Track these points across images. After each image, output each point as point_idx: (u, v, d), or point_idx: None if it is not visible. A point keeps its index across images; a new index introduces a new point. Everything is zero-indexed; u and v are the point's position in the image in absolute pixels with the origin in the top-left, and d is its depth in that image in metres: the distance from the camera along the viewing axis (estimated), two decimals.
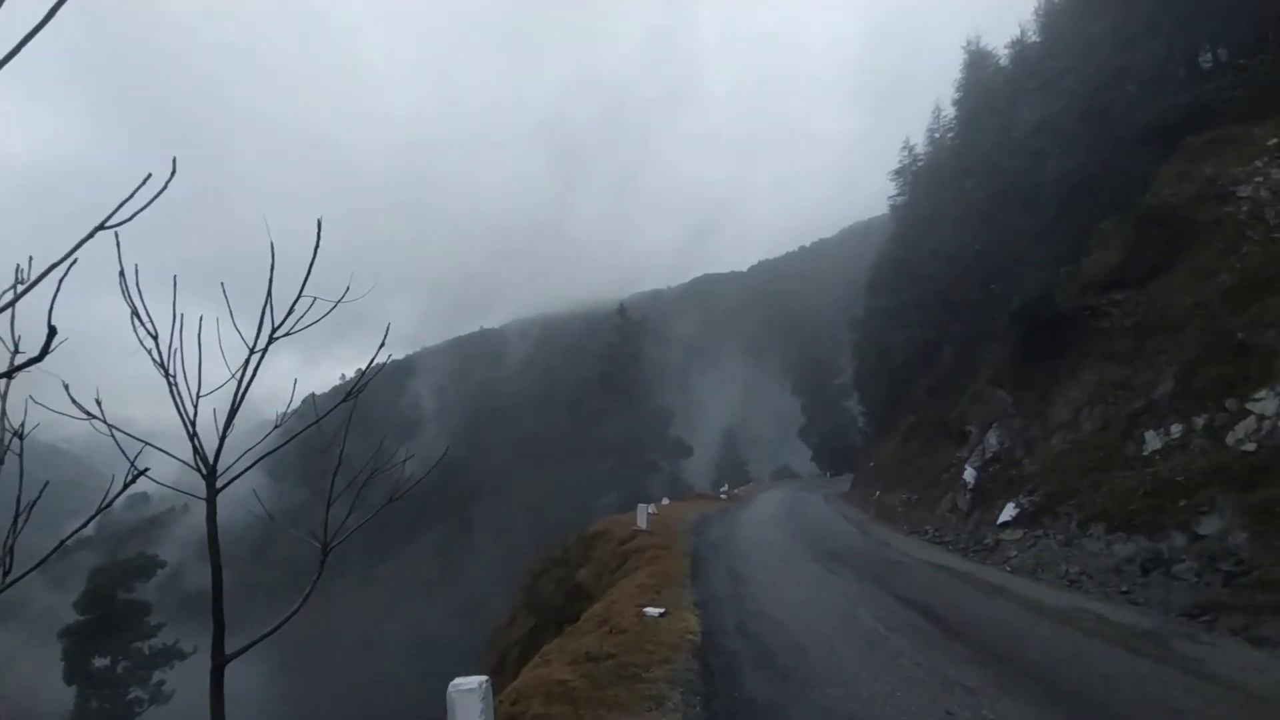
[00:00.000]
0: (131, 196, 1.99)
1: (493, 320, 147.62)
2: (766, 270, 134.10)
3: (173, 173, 2.69)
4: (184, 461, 2.84)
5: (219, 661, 2.83)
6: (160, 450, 2.78)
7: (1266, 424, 9.18)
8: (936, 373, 26.65)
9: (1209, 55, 24.18)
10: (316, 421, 3.36)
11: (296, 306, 2.95)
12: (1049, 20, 27.84)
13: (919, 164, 38.40)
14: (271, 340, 2.96)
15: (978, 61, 31.42)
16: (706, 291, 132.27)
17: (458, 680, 4.61)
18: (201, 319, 2.83)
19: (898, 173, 40.10)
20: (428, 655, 56.54)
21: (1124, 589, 8.99)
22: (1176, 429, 10.76)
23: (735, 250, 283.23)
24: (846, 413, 57.68)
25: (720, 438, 71.87)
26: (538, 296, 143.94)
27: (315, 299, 2.93)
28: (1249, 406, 9.63)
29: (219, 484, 2.91)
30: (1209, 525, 8.71)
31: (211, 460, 2.87)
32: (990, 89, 29.01)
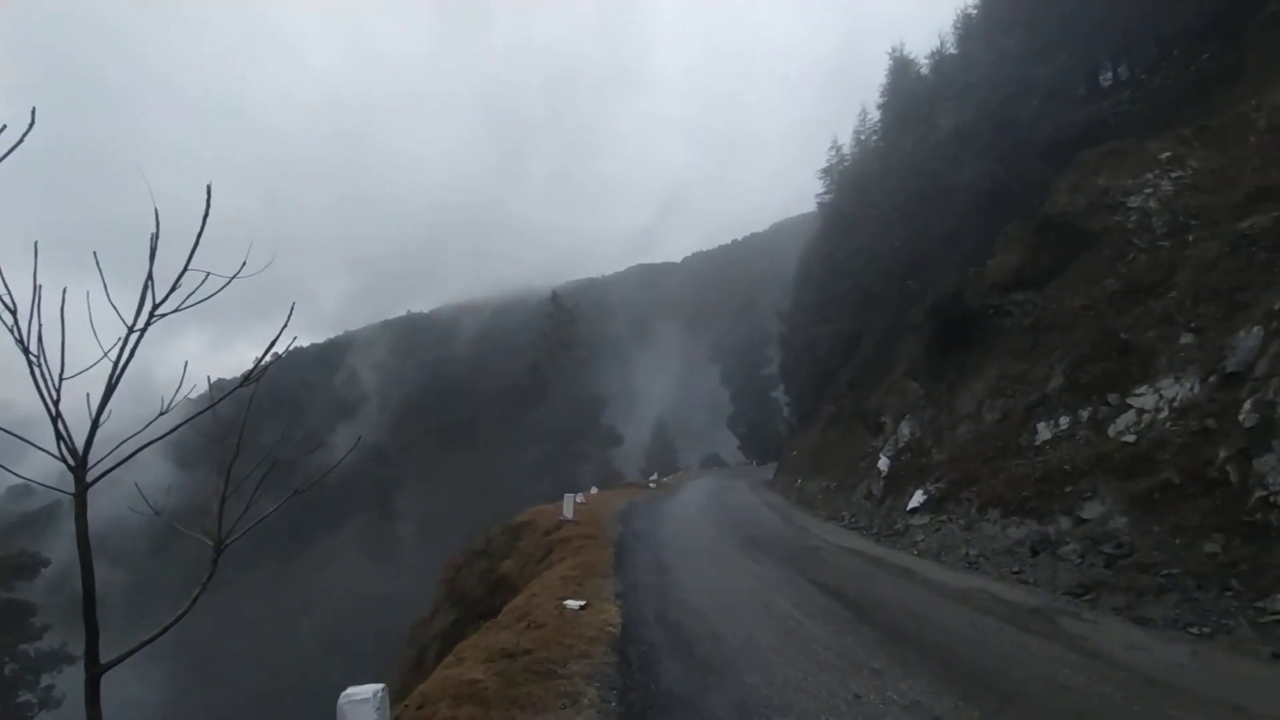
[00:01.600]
0: None
1: (423, 304, 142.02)
2: (701, 261, 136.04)
3: (30, 125, 2.36)
4: (46, 451, 2.52)
5: (94, 671, 2.55)
6: (18, 438, 2.45)
7: (1145, 417, 10.11)
8: (857, 365, 27.86)
9: (1109, 73, 26.26)
10: (211, 407, 3.06)
11: (185, 282, 2.66)
12: (966, 33, 29.43)
13: (845, 164, 39.84)
14: (153, 318, 2.66)
15: (901, 69, 32.86)
16: (642, 281, 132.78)
17: (350, 690, 4.32)
18: (65, 291, 2.51)
19: (826, 171, 41.46)
20: (344, 654, 54.41)
21: (1016, 569, 9.72)
22: (1065, 421, 11.70)
23: (673, 239, 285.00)
24: (773, 403, 59.51)
25: (652, 426, 72.63)
26: (470, 281, 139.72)
27: (209, 274, 2.65)
28: (1130, 401, 10.58)
29: (91, 478, 2.60)
30: (1092, 510, 9.53)
31: (82, 451, 2.56)
32: (912, 95, 30.41)
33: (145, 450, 2.63)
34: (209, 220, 2.66)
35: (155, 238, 2.62)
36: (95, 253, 2.64)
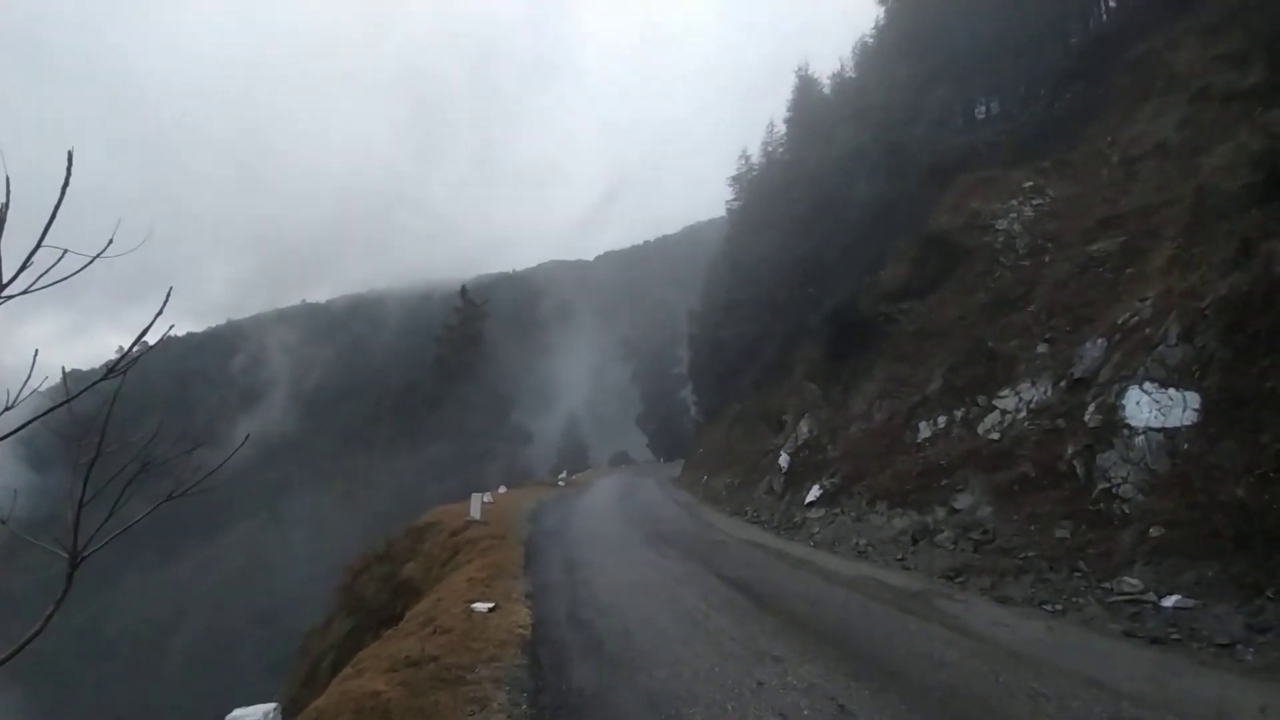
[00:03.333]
0: None
1: (320, 293, 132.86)
2: (615, 260, 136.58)
3: None
4: None
5: None
6: None
7: (1008, 417, 11.27)
8: (761, 366, 29.05)
9: (984, 107, 28.99)
10: (66, 402, 2.74)
11: (39, 259, 2.37)
12: (863, 59, 31.52)
13: (754, 173, 41.35)
14: (0, 300, 2.35)
15: (806, 87, 34.63)
16: (555, 277, 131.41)
17: (238, 711, 3.98)
18: None
19: (735, 179, 42.82)
20: (223, 669, 50.07)
21: (899, 557, 10.53)
22: (942, 420, 12.81)
23: (589, 236, 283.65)
24: (681, 401, 60.80)
25: (562, 423, 72.09)
26: (375, 271, 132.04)
27: (66, 251, 2.37)
28: (995, 402, 11.75)
29: None
30: (963, 501, 10.50)
31: None
32: (815, 112, 32.12)
33: None
34: (70, 191, 2.38)
35: (4, 208, 2.32)
36: None
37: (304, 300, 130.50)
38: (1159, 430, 8.14)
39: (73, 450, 2.68)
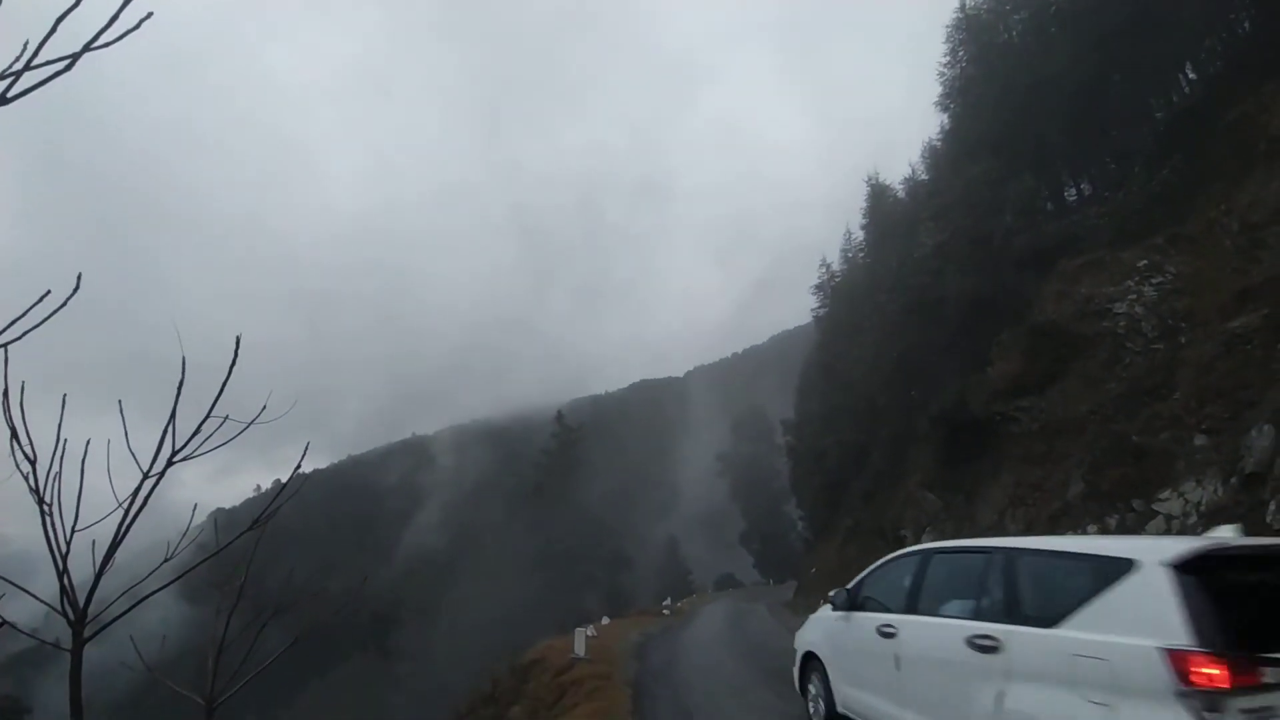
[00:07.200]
0: (24, 314, 1.83)
1: (428, 425, 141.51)
2: (703, 375, 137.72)
3: (75, 289, 2.52)
4: (47, 604, 2.44)
5: None
6: (19, 589, 2.38)
7: (1175, 523, 9.76)
8: (869, 475, 27.32)
9: (1074, 189, 28.20)
10: (215, 554, 3.00)
11: (204, 427, 2.71)
12: (933, 161, 32.02)
13: (836, 279, 41.58)
14: (170, 464, 2.69)
15: (879, 193, 35.38)
16: (645, 397, 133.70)
17: None
18: (89, 443, 2.54)
19: (818, 287, 43.18)
20: None
21: None
22: (1092, 529, 11.27)
23: (673, 355, 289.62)
24: (786, 517, 57.65)
25: (662, 547, 69.82)
26: (481, 401, 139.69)
27: (227, 418, 2.70)
28: (1155, 506, 10.27)
29: (89, 632, 2.50)
30: None
31: (82, 604, 2.48)
32: (891, 216, 32.46)
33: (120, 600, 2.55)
34: (231, 369, 2.76)
35: (180, 386, 2.71)
36: (120, 401, 2.71)
37: (412, 433, 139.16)
38: None
39: (216, 596, 2.89)
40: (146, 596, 2.71)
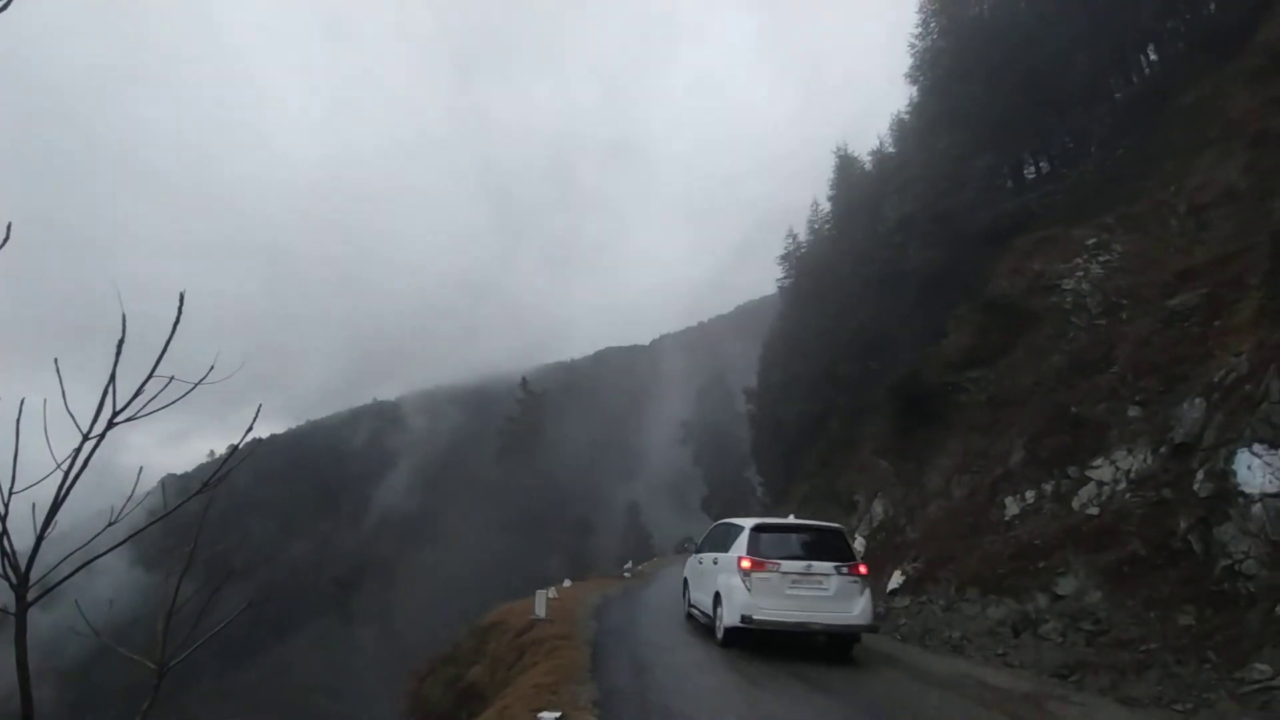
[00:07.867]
0: None
1: (390, 390, 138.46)
2: (670, 343, 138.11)
3: (4, 238, 2.39)
4: None
5: None
6: None
7: (1105, 489, 10.36)
8: (826, 443, 28.10)
9: (1033, 167, 28.81)
10: (164, 516, 2.94)
11: (146, 388, 2.62)
12: (901, 135, 32.22)
13: (802, 250, 41.92)
14: (111, 425, 2.60)
15: (846, 165, 35.53)
16: (613, 365, 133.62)
17: None
18: (23, 402, 2.45)
19: (784, 258, 43.48)
20: None
21: (1000, 651, 9.52)
22: (1030, 495, 11.90)
23: (641, 321, 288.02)
24: (746, 483, 59.01)
25: (624, 512, 70.84)
26: (446, 365, 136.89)
27: (172, 379, 2.62)
28: (1088, 473, 10.87)
29: (33, 595, 2.44)
30: (1067, 585, 9.52)
31: (24, 567, 2.42)
32: (858, 188, 32.71)
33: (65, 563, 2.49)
34: (175, 328, 2.66)
35: (120, 344, 2.60)
36: (56, 360, 2.60)
37: (374, 398, 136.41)
38: (1275, 496, 7.29)
39: (168, 559, 2.84)
40: (93, 559, 2.65)
